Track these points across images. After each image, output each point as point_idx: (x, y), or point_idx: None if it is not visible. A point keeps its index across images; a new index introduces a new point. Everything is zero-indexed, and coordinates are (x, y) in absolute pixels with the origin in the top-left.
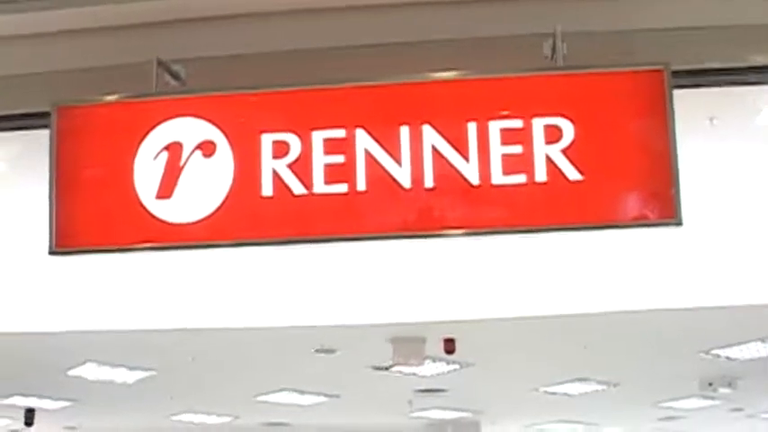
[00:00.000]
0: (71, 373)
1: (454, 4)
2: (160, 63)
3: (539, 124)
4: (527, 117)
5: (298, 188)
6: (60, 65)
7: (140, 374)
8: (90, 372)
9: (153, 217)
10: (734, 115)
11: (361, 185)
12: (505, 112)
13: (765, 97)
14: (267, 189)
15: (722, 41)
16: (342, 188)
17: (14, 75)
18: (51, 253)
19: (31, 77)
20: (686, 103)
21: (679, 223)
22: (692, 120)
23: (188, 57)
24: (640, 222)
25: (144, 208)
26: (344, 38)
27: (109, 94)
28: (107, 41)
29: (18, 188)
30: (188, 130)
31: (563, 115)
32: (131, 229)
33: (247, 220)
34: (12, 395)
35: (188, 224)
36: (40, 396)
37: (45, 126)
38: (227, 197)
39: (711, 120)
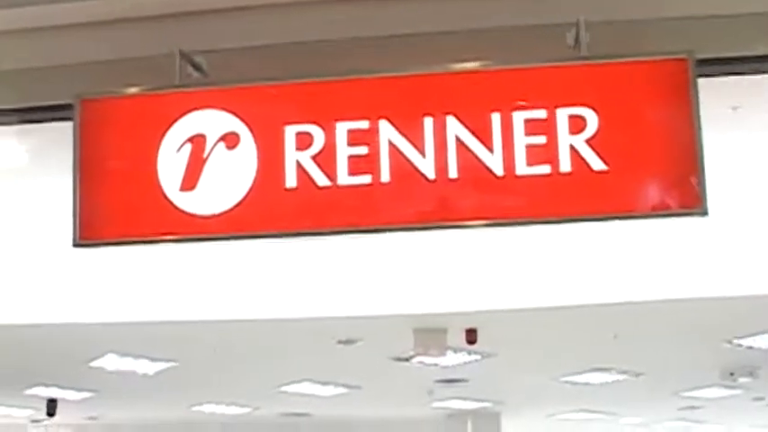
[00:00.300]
0: (93, 364)
1: None
2: (183, 55)
3: (563, 114)
4: (551, 107)
5: (322, 180)
6: (83, 57)
7: (162, 365)
8: (112, 363)
9: (177, 209)
10: (757, 104)
11: (385, 176)
12: (529, 103)
13: None
14: (291, 181)
15: (746, 29)
16: (366, 179)
17: (38, 67)
18: (76, 245)
19: (54, 70)
20: (709, 91)
21: (704, 213)
22: (715, 108)
23: (210, 48)
24: (666, 212)
25: (168, 200)
26: (368, 28)
27: (132, 86)
28: (130, 33)
29: (42, 180)
30: (211, 122)
31: (587, 105)
32: (155, 222)
33: (271, 212)
34: (34, 385)
35: (212, 216)
36: (63, 387)
37: (69, 118)
38: (250, 189)
39: (735, 108)
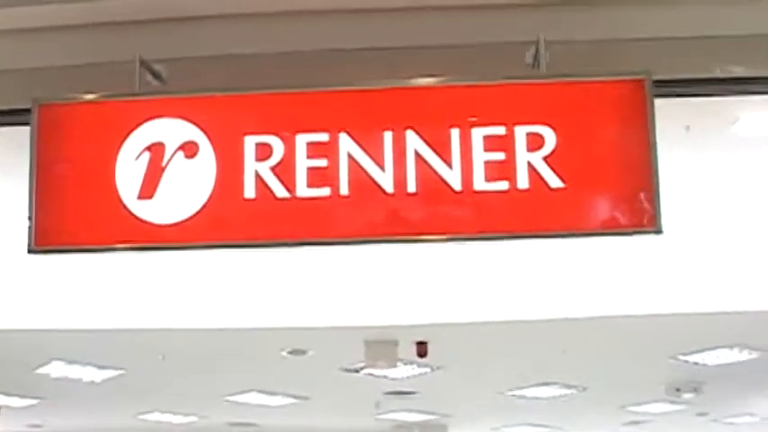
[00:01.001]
0: (39, 371)
1: (439, 10)
2: (142, 62)
3: (521, 132)
4: (509, 124)
5: (280, 191)
6: (42, 61)
7: (109, 373)
8: (58, 370)
9: (134, 217)
10: (710, 124)
11: (344, 189)
12: (488, 119)
13: (740, 107)
14: (250, 191)
15: (700, 52)
16: (325, 192)
17: None
18: (30, 251)
19: (12, 73)
20: (663, 111)
21: (659, 231)
22: (668, 128)
23: (170, 57)
24: (621, 231)
25: (125, 208)
26: (329, 41)
27: (91, 92)
28: (89, 39)
29: None
30: (170, 130)
31: (545, 123)
32: (112, 229)
33: (229, 222)
34: None
35: (170, 225)
36: (7, 394)
37: (25, 123)
38: (209, 199)
39: (687, 128)
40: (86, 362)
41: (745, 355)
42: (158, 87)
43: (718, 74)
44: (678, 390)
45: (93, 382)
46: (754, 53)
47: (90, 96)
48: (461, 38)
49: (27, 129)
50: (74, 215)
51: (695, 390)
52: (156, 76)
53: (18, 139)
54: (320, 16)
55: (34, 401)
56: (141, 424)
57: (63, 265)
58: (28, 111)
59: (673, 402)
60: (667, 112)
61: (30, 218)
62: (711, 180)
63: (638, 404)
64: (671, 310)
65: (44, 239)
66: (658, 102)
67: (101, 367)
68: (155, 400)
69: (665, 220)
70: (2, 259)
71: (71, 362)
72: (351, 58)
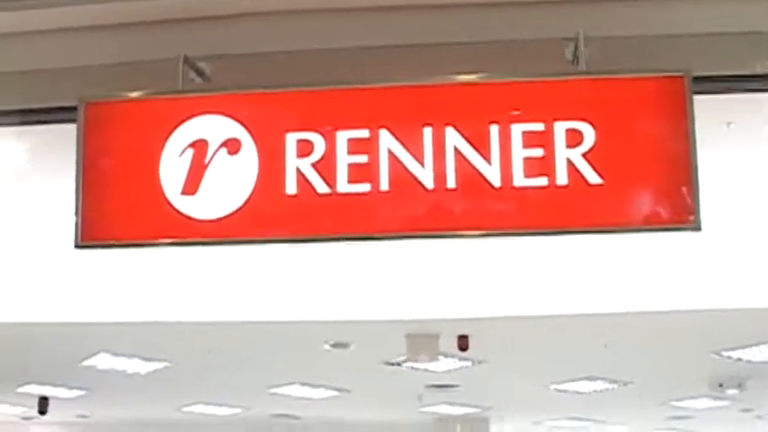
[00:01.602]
0: (86, 363)
1: (477, 6)
2: (186, 60)
3: (560, 128)
4: (549, 120)
5: (321, 187)
6: (88, 60)
7: (154, 366)
8: (104, 362)
9: (178, 213)
10: (750, 120)
11: (384, 185)
12: (528, 115)
13: None
14: (291, 187)
15: (740, 49)
16: (365, 188)
17: (43, 69)
18: (77, 246)
19: (59, 72)
20: (705, 108)
21: (698, 228)
22: (710, 125)
23: (214, 54)
24: (660, 227)
25: (169, 204)
26: (369, 38)
27: (135, 90)
28: (134, 38)
29: (42, 181)
30: (213, 127)
31: (584, 119)
32: (156, 225)
33: (271, 218)
34: (26, 383)
35: (213, 221)
36: (55, 385)
37: (73, 120)
38: (251, 194)
39: (729, 125)
40: (132, 354)
41: None
42: (202, 85)
43: (759, 70)
44: (721, 385)
45: (138, 374)
46: None
47: (135, 94)
48: (501, 34)
49: (74, 126)
50: (119, 211)
51: (739, 386)
52: (200, 73)
53: (66, 136)
54: (362, 13)
55: (82, 392)
56: (185, 416)
57: (110, 258)
58: (75, 108)
59: (716, 398)
60: (709, 108)
61: (76, 213)
62: (753, 176)
63: (682, 399)
64: (714, 305)
65: (90, 235)
66: (700, 98)
67: (146, 359)
68: (198, 392)
69: (708, 216)
70: (50, 254)
71: (117, 354)
72: (391, 54)
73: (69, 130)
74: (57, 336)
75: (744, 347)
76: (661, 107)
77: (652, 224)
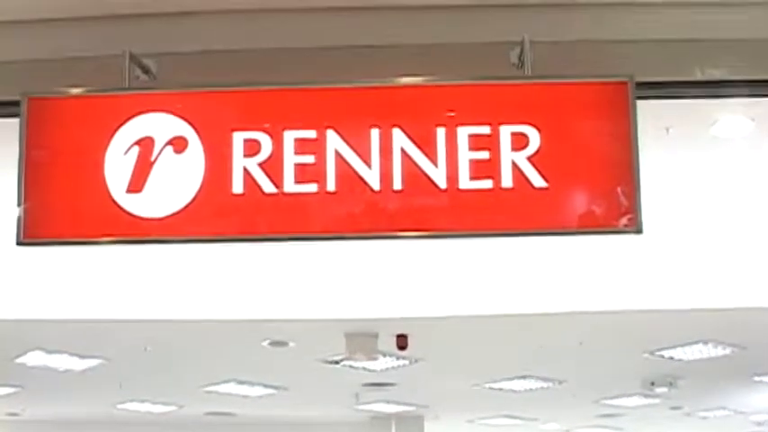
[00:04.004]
0: (18, 360)
1: (425, 9)
2: (132, 57)
3: (506, 131)
4: (494, 124)
5: (268, 186)
6: (32, 54)
7: (89, 363)
8: (38, 359)
9: (123, 211)
10: (689, 126)
11: (331, 186)
12: (474, 118)
13: (719, 109)
14: (238, 187)
15: (681, 55)
16: (312, 188)
17: None
18: (19, 243)
19: (2, 65)
20: (644, 113)
21: (639, 231)
22: (649, 129)
23: (160, 51)
24: (602, 230)
25: (114, 201)
26: (317, 39)
27: (80, 85)
28: (79, 33)
29: None
30: (159, 125)
31: (530, 123)
32: (101, 222)
33: (217, 217)
34: None
35: (158, 219)
36: None
37: (15, 115)
38: (197, 193)
39: (668, 130)
40: (66, 351)
41: (719, 351)
42: (148, 82)
43: (699, 76)
44: (653, 384)
45: (72, 371)
46: (734, 57)
47: (79, 90)
48: (448, 37)
49: (16, 121)
50: (62, 208)
51: (670, 384)
52: (146, 70)
53: (7, 131)
54: (308, 13)
55: (12, 390)
56: (119, 413)
57: (45, 255)
58: (17, 103)
59: (647, 396)
60: (648, 113)
61: (18, 209)
62: (689, 180)
63: (614, 398)
64: (648, 306)
65: (33, 232)
66: (639, 103)
67: (81, 357)
68: (133, 389)
69: (645, 218)
70: None
71: (51, 351)
72: (339, 55)
73: (11, 125)
74: None
75: (676, 347)
76: (605, 112)
77: (595, 227)
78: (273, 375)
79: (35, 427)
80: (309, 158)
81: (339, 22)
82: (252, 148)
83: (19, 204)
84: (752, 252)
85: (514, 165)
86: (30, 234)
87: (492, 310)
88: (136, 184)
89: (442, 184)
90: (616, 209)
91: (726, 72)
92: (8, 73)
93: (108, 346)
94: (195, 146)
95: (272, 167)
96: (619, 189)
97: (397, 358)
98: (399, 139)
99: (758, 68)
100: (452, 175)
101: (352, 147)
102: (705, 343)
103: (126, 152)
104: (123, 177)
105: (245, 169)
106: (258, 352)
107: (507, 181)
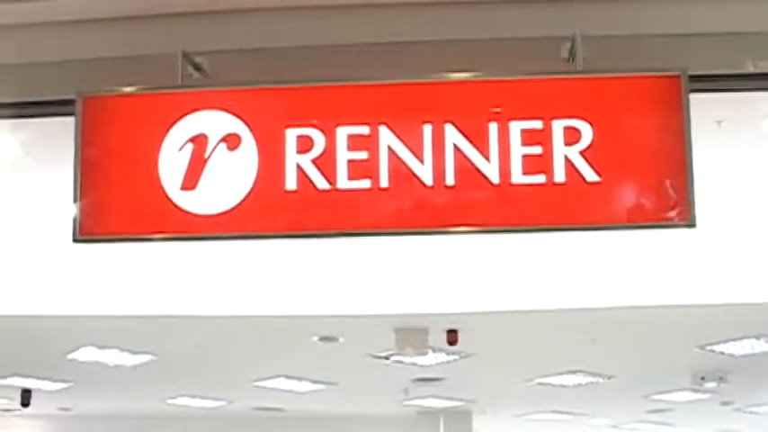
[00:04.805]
0: (71, 355)
1: (477, 4)
2: (185, 55)
3: (558, 126)
4: (547, 118)
5: (321, 183)
6: (87, 54)
7: (140, 359)
8: (90, 355)
9: (177, 208)
10: (741, 119)
11: (384, 182)
12: (526, 113)
13: None
14: (291, 183)
15: (733, 48)
16: (365, 184)
17: (41, 62)
18: (75, 241)
19: (57, 65)
20: (696, 106)
21: (693, 225)
22: (700, 123)
23: (212, 49)
24: (655, 224)
25: (168, 198)
26: (369, 35)
27: (133, 84)
28: (132, 32)
29: (37, 174)
30: (213, 122)
31: (582, 118)
32: (155, 219)
33: (271, 214)
34: (10, 376)
35: (212, 216)
36: (39, 377)
37: (71, 114)
38: (251, 190)
39: (720, 123)
40: (118, 347)
41: None
42: (200, 80)
43: (751, 69)
44: (703, 378)
45: (123, 367)
46: None
47: (133, 89)
48: (498, 32)
49: (72, 120)
50: (117, 205)
51: (720, 379)
52: (198, 68)
53: (63, 130)
54: (363, 10)
55: (65, 385)
56: (169, 408)
57: (98, 252)
58: (72, 102)
59: (696, 391)
60: (700, 106)
61: (74, 207)
62: (741, 174)
63: (663, 393)
64: (699, 300)
65: (88, 229)
66: (691, 96)
67: (132, 352)
68: (184, 385)
69: (696, 213)
70: (36, 247)
71: (103, 347)
72: (391, 51)
73: (68, 123)
74: (43, 329)
75: (727, 341)
76: (657, 106)
77: (647, 221)
78: (322, 371)
79: (86, 422)
80: (362, 154)
81: (390, 19)
82: (305, 144)
83: (75, 202)
84: None
85: (567, 159)
86: (86, 231)
87: (542, 305)
88: (190, 182)
89: (495, 179)
90: (669, 203)
91: None
92: (63, 72)
93: (159, 343)
94: (248, 143)
95: (325, 164)
96: (671, 183)
97: (447, 353)
98: (452, 134)
99: None
100: (505, 171)
101: (404, 143)
102: (756, 338)
103: (180, 149)
104: (177, 175)
105: (299, 166)
106: (308, 347)
107: (560, 176)
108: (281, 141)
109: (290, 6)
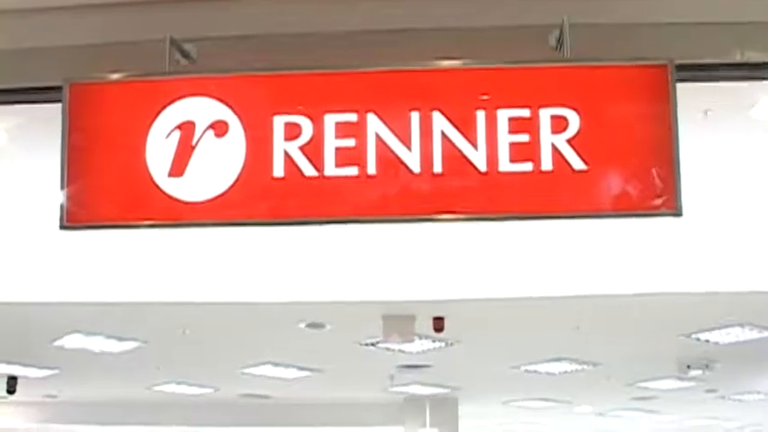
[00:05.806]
0: (58, 342)
1: None
2: (172, 42)
3: (545, 114)
4: (534, 107)
5: (309, 170)
6: (73, 40)
7: (126, 345)
8: (76, 342)
9: (164, 194)
10: (728, 109)
11: (372, 169)
12: (513, 101)
13: (757, 92)
14: (279, 170)
15: (720, 37)
16: (352, 171)
17: (28, 48)
18: (62, 227)
19: (44, 51)
20: (682, 95)
21: (679, 213)
22: (687, 112)
23: (200, 36)
24: (642, 212)
25: (156, 185)
26: (357, 22)
27: (121, 71)
28: (120, 18)
29: (23, 162)
30: (201, 109)
31: (569, 106)
32: (143, 206)
33: (258, 201)
34: None
35: (199, 203)
36: (25, 364)
37: (57, 100)
38: (238, 177)
39: (706, 112)
40: (104, 334)
41: (755, 334)
42: (188, 66)
43: (738, 59)
44: (688, 367)
45: (109, 354)
46: None
47: (120, 75)
48: (487, 20)
49: (59, 106)
50: (104, 192)
51: (705, 367)
52: (186, 55)
53: (50, 116)
54: None
55: (51, 372)
56: (155, 395)
57: (82, 238)
58: (59, 89)
59: (681, 379)
60: (686, 95)
61: (61, 194)
62: (728, 163)
63: (648, 380)
64: (684, 288)
65: (75, 216)
66: (678, 85)
67: (119, 339)
68: (170, 372)
69: (683, 200)
70: (20, 234)
71: (89, 334)
72: (378, 38)
73: (54, 110)
74: (30, 315)
75: (712, 330)
76: (645, 95)
77: (634, 209)
78: (309, 358)
79: (72, 409)
80: (350, 142)
81: (378, 6)
82: (292, 131)
83: (62, 189)
84: None
85: (554, 147)
86: (72, 218)
87: (528, 292)
88: (177, 169)
89: (482, 167)
90: (655, 191)
91: (765, 54)
92: (50, 59)
93: (145, 329)
94: (236, 130)
95: (313, 151)
96: (658, 172)
97: (434, 340)
98: (439, 122)
99: None
100: (492, 158)
101: (392, 130)
102: (741, 326)
103: (167, 136)
104: (165, 161)
105: (286, 153)
106: (294, 334)
107: (547, 164)
108: (268, 128)
109: None
